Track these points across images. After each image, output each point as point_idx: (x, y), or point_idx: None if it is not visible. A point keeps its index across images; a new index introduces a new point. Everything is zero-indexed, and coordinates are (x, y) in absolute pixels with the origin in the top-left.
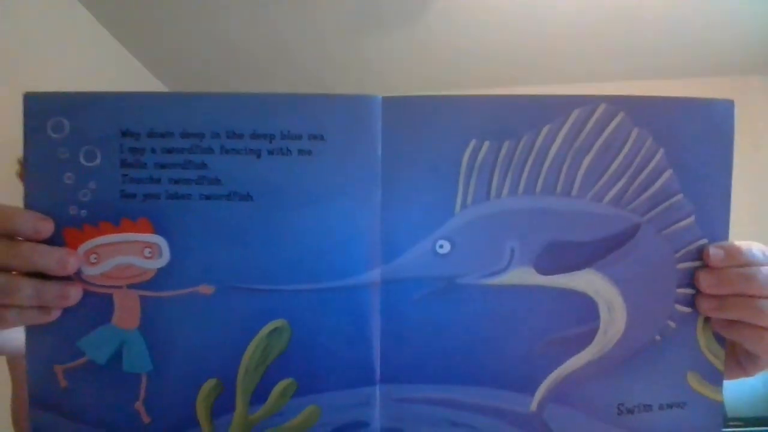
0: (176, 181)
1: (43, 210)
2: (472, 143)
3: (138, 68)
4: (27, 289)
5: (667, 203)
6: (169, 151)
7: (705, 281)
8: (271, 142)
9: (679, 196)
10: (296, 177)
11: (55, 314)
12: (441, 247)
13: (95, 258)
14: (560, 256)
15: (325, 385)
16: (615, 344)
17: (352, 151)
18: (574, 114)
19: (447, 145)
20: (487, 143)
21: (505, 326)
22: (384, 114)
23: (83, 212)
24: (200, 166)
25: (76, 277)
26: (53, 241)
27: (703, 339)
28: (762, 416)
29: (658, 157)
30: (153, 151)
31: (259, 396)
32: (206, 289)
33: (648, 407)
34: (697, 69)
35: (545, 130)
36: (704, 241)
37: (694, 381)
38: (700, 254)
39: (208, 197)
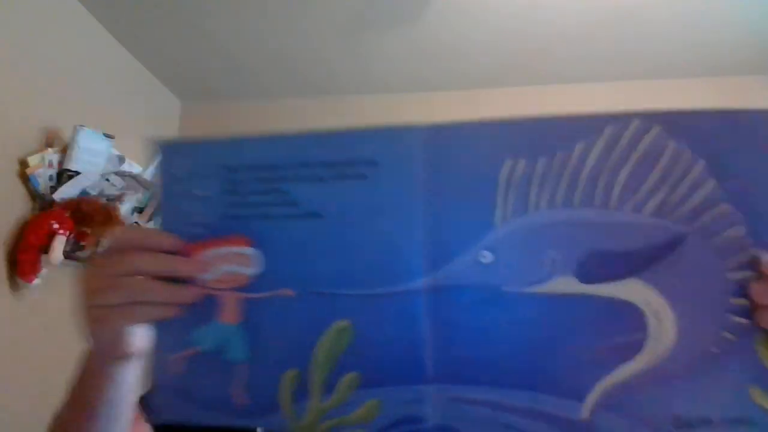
0: (265, 205)
1: (170, 230)
2: (508, 162)
3: (138, 68)
4: (160, 289)
5: (712, 213)
6: (258, 180)
7: (760, 292)
8: (334, 169)
9: (725, 206)
10: (354, 197)
11: (177, 311)
12: (484, 257)
13: (207, 267)
14: (602, 266)
15: (385, 380)
16: (668, 355)
17: (400, 174)
18: (608, 131)
19: (484, 164)
20: (522, 161)
21: (552, 332)
22: (426, 140)
23: (198, 230)
24: (282, 192)
25: (192, 282)
26: (176, 254)
27: (765, 351)
28: None
29: (698, 168)
30: (247, 181)
31: (329, 386)
32: (288, 292)
33: (707, 421)
34: (697, 69)
35: (579, 146)
36: (755, 250)
37: (757, 396)
38: (752, 264)
39: (289, 216)
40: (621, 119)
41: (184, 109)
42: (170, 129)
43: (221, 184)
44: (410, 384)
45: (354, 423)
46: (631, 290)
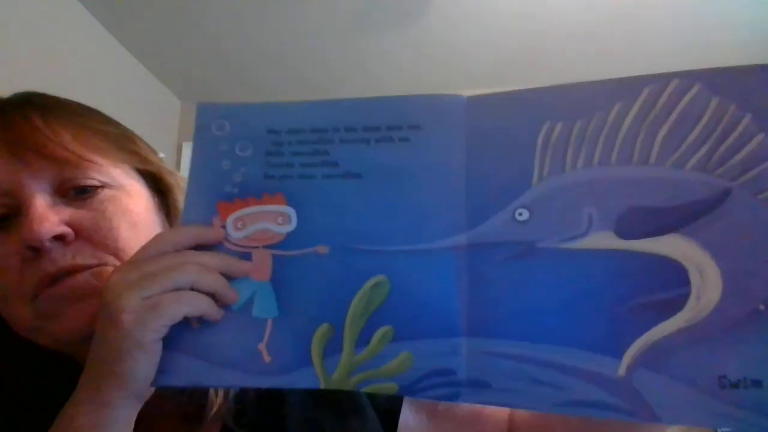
0: (305, 165)
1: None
2: (546, 125)
3: (138, 68)
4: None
5: (761, 167)
6: (301, 143)
7: None
8: (378, 133)
9: None
10: (397, 158)
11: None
12: (520, 214)
13: (241, 224)
14: (641, 222)
15: (417, 333)
16: (711, 312)
17: (442, 137)
18: (645, 91)
19: (522, 128)
20: (560, 123)
21: (588, 288)
22: (469, 106)
23: (235, 190)
24: (323, 153)
25: (226, 239)
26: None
27: None
28: None
29: (744, 122)
30: (290, 143)
31: (362, 340)
32: (322, 249)
33: (757, 383)
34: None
35: (616, 107)
36: None
37: None
38: None
39: (328, 176)
40: (660, 80)
41: (184, 109)
42: (170, 129)
43: (263, 145)
44: (443, 337)
45: (385, 375)
46: (672, 246)
